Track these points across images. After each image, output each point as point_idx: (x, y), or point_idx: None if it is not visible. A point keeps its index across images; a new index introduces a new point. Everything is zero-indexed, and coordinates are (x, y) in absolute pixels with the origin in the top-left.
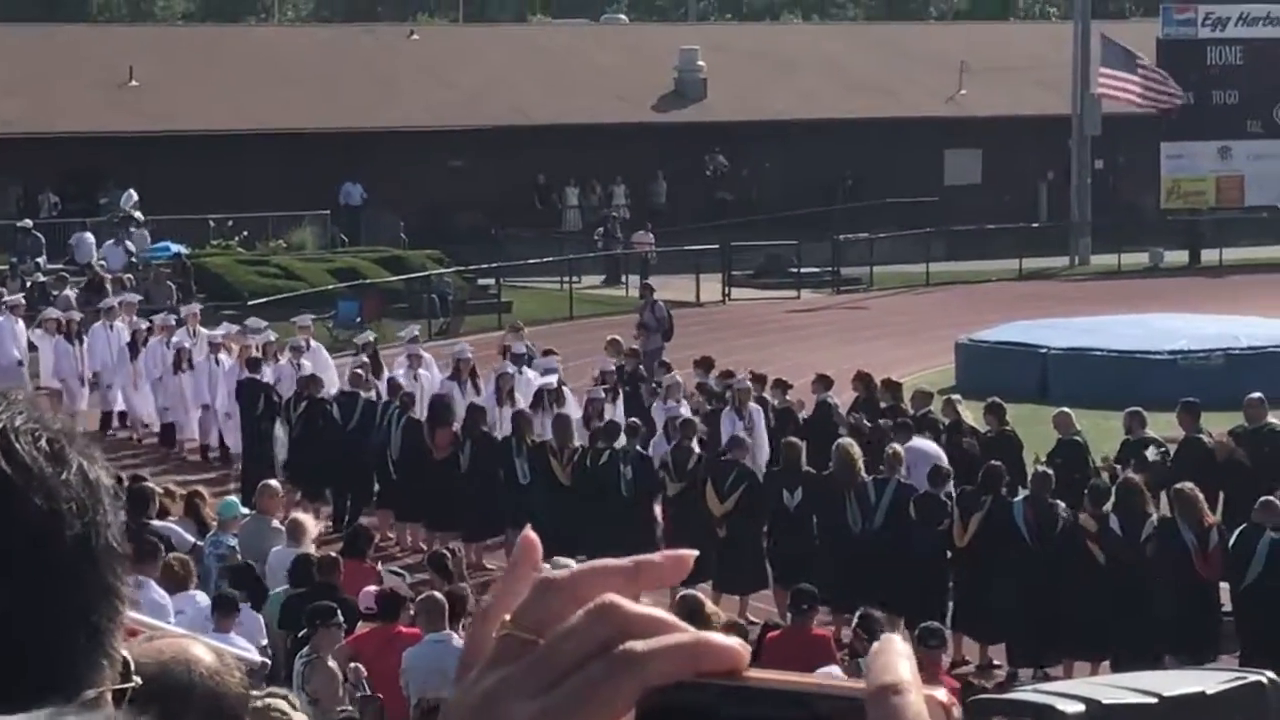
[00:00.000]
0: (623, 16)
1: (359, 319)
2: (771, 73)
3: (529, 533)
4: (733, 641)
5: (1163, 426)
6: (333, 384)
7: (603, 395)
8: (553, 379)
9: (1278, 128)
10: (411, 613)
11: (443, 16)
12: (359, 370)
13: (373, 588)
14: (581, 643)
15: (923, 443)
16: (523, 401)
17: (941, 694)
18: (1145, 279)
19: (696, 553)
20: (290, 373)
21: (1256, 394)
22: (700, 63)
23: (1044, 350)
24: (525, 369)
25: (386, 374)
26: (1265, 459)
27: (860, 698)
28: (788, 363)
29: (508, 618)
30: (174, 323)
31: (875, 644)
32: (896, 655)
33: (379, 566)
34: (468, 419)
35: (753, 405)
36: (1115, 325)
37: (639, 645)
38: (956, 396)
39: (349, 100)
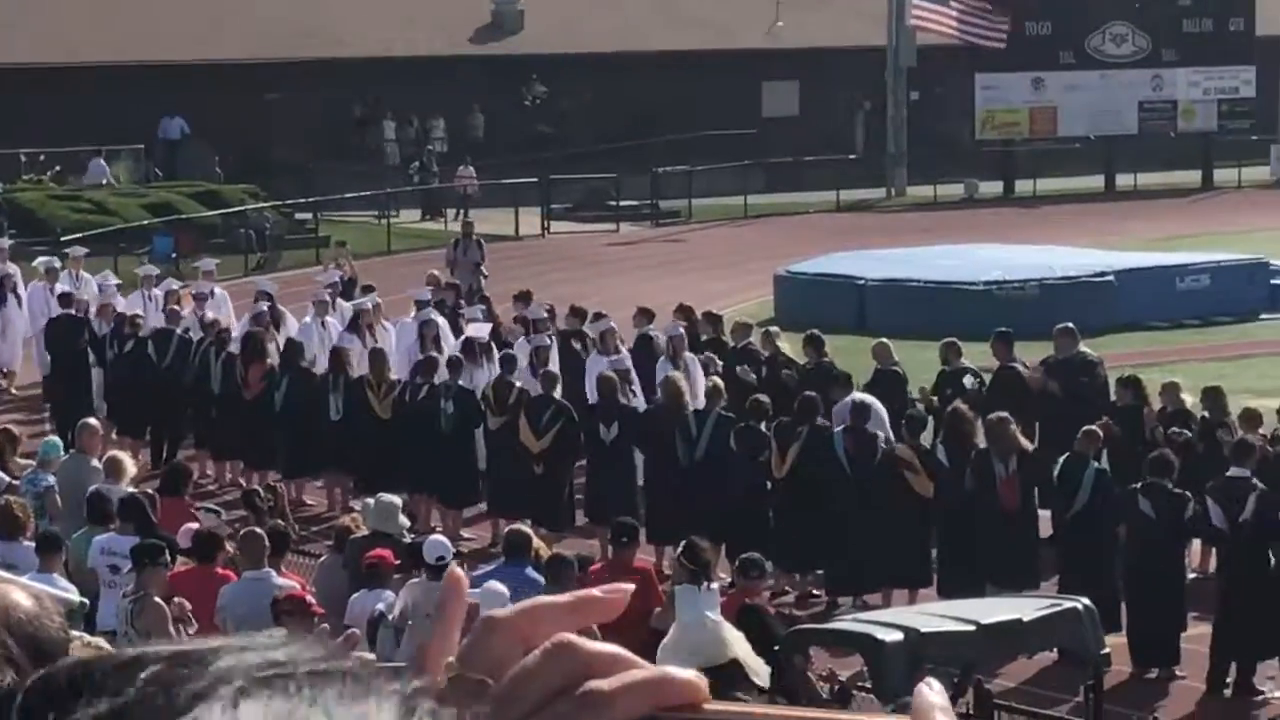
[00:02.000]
0: None
1: (174, 254)
2: (589, 4)
3: (455, 570)
4: (691, 674)
5: (978, 356)
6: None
7: (547, 342)
8: (484, 330)
9: (1090, 59)
10: (232, 551)
11: None
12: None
13: (193, 525)
14: (543, 683)
15: (862, 396)
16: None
17: None
18: (961, 210)
19: (633, 587)
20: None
21: (1067, 324)
22: None
23: (861, 281)
24: (340, 301)
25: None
26: (1077, 388)
27: None
28: (607, 296)
29: (452, 659)
30: None
31: (919, 694)
32: (944, 710)
33: (195, 505)
34: (284, 354)
35: (688, 354)
36: (931, 256)
37: (604, 684)
38: (775, 329)
39: (167, 33)
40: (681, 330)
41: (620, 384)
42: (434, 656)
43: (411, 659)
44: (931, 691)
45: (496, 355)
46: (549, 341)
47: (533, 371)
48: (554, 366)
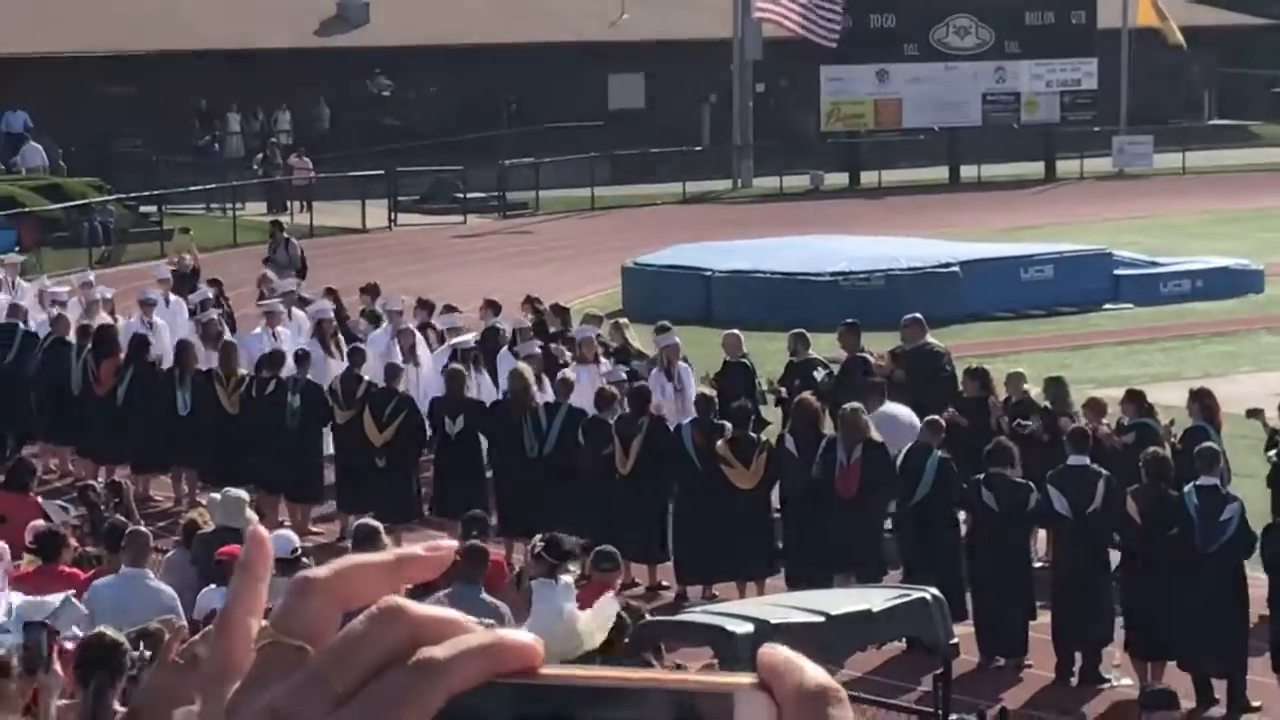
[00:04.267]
0: None
1: (17, 247)
2: None
3: (257, 528)
4: (527, 638)
5: (826, 347)
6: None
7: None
8: (468, 338)
9: (934, 51)
10: (78, 547)
11: None
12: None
13: (40, 522)
14: (373, 650)
15: (897, 409)
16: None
17: None
18: (807, 201)
19: (455, 544)
20: None
21: (913, 314)
22: None
23: (708, 273)
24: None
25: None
26: (923, 378)
27: (679, 689)
28: (455, 288)
29: (266, 624)
30: None
31: (767, 651)
32: (801, 659)
33: (41, 500)
34: (131, 349)
35: (681, 365)
36: (777, 247)
37: (438, 651)
38: (624, 320)
39: (6, 25)
40: (677, 340)
41: (619, 396)
42: (236, 621)
43: (217, 621)
44: (773, 648)
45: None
46: (414, 335)
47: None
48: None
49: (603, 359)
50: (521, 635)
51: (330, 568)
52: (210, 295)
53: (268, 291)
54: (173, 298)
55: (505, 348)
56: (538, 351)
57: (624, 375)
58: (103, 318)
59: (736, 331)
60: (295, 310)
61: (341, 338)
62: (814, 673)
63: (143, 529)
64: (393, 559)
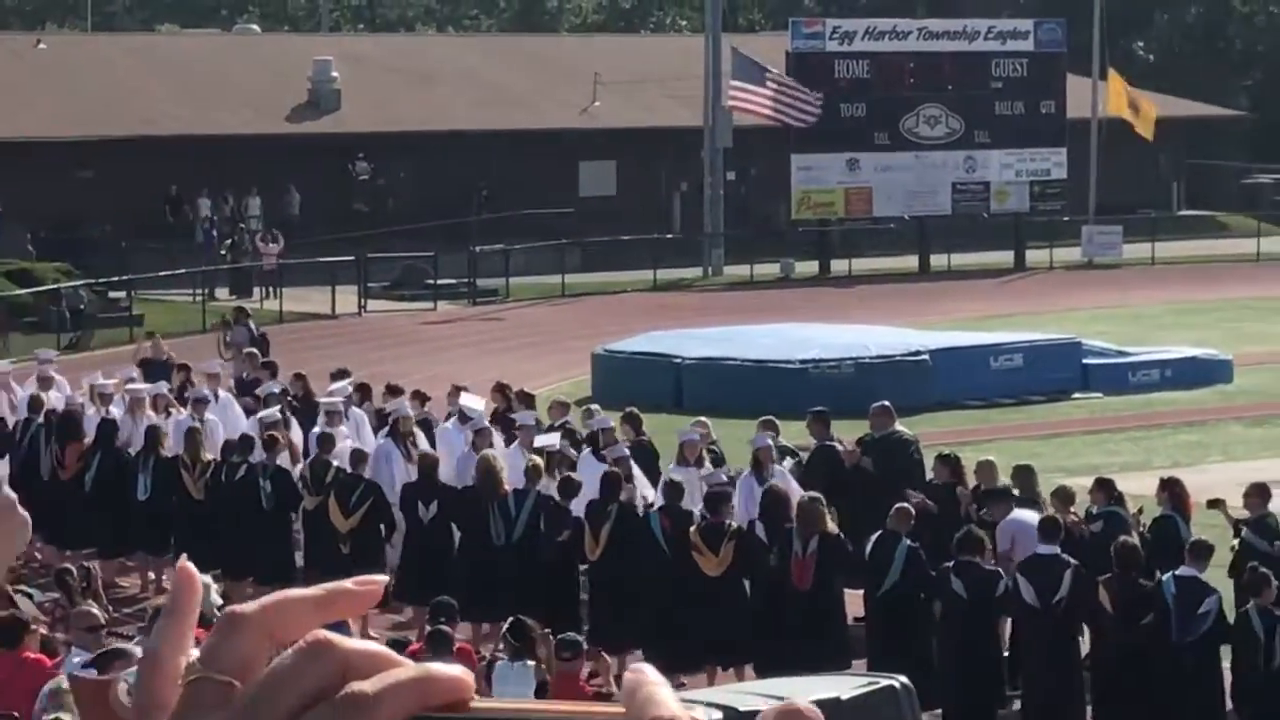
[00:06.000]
0: (255, 27)
1: None
2: (406, 84)
3: (186, 564)
4: (457, 670)
5: (795, 434)
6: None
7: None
8: (554, 439)
9: (904, 140)
10: (44, 633)
11: (71, 26)
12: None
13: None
14: (300, 685)
15: (1025, 514)
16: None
17: (701, 713)
18: (777, 289)
19: (387, 578)
20: None
21: (882, 402)
22: (334, 74)
23: (678, 360)
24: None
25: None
26: (892, 466)
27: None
28: (425, 374)
29: (194, 658)
30: None
31: (629, 674)
32: (657, 685)
33: (8, 587)
34: (99, 434)
35: (776, 467)
36: (748, 335)
37: (366, 686)
38: (595, 406)
39: None
40: (708, 424)
41: (623, 478)
42: (166, 658)
43: (144, 658)
44: (637, 673)
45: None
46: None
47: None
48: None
49: (706, 461)
50: (451, 669)
51: (259, 603)
52: (206, 392)
53: (195, 381)
54: (222, 394)
55: (588, 450)
56: (625, 453)
57: (626, 452)
58: (56, 399)
59: (705, 419)
60: (353, 409)
61: (421, 435)
62: (650, 706)
63: (91, 609)
64: (322, 593)
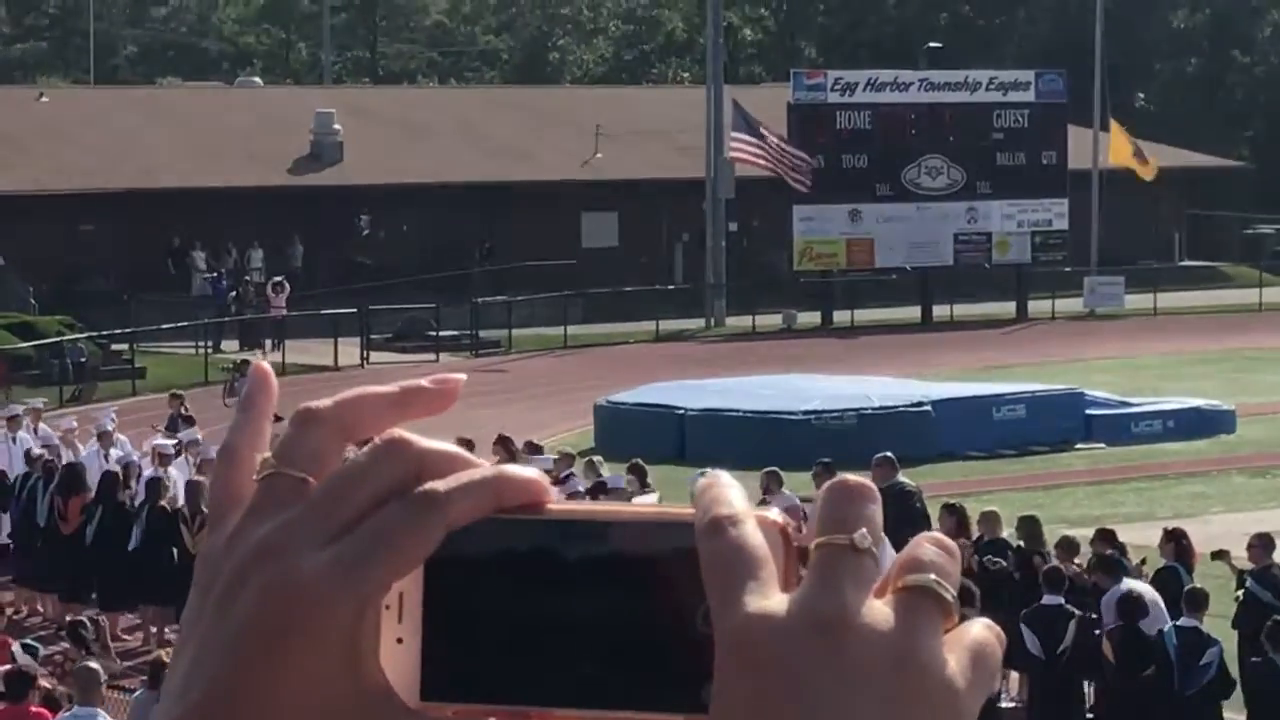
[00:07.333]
0: (257, 80)
1: None
2: (409, 136)
3: (260, 362)
4: (532, 472)
5: (799, 485)
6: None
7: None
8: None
9: (906, 191)
10: (49, 687)
11: (73, 79)
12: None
13: (5, 666)
14: (374, 483)
15: (1143, 588)
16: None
17: (775, 514)
18: (779, 340)
19: (465, 377)
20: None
21: (884, 453)
22: (337, 126)
23: (681, 411)
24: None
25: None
26: (895, 517)
27: (688, 521)
28: (427, 425)
29: (268, 455)
30: None
31: (703, 477)
32: (726, 487)
33: (12, 641)
34: (100, 487)
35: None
36: (751, 386)
37: (439, 484)
38: (598, 458)
39: None
40: (624, 483)
41: None
42: (241, 454)
43: (219, 453)
44: (714, 472)
45: None
46: None
47: None
48: None
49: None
50: (526, 470)
51: (334, 399)
52: (199, 436)
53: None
54: None
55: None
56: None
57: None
58: (68, 455)
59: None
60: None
61: None
62: (715, 505)
63: (91, 664)
64: (398, 391)
